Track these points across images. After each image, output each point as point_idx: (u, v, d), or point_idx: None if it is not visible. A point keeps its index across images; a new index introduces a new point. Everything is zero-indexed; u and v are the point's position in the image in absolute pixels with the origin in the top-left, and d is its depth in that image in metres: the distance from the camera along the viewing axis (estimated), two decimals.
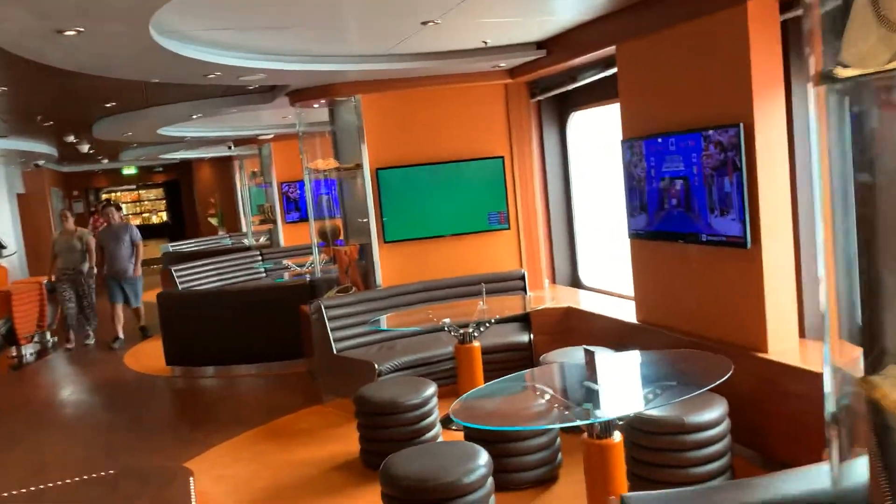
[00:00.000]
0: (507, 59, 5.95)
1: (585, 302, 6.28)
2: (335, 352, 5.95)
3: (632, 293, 5.61)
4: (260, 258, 11.21)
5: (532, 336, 6.00)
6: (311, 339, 6.64)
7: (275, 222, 12.02)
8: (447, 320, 5.24)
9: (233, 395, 6.91)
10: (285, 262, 10.81)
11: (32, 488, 4.78)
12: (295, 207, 12.21)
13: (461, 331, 5.24)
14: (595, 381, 3.27)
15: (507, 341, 5.94)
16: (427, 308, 5.98)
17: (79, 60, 4.14)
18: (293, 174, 11.89)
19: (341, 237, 7.25)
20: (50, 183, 15.59)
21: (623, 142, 5.05)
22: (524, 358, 5.97)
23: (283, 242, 11.98)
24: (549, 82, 6.54)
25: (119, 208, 26.85)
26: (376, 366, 5.50)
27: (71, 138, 9.55)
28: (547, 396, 3.48)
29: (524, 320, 6.15)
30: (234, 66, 4.87)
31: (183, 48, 4.27)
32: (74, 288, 9.43)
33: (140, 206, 30.60)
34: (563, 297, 6.45)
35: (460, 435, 4.73)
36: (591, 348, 3.39)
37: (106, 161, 16.14)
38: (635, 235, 5.06)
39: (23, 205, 14.37)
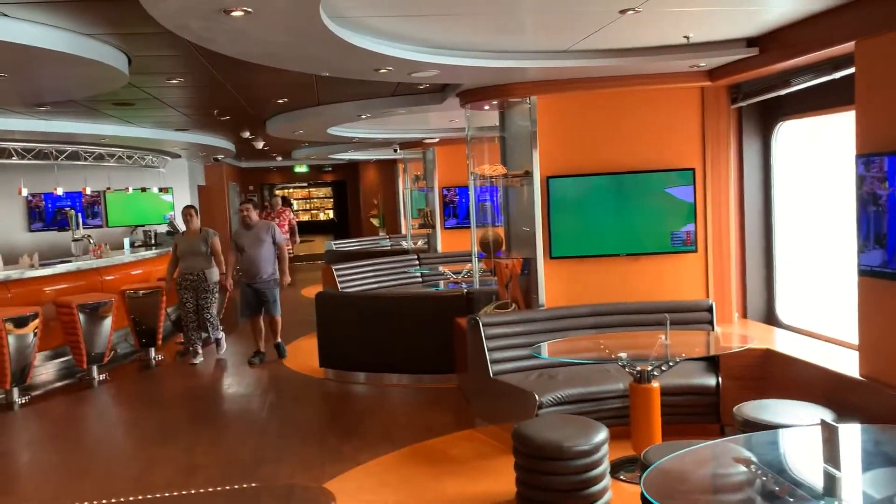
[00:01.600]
0: (709, 58, 5.17)
1: (785, 344, 5.34)
2: (491, 375, 5.45)
3: (851, 340, 4.67)
4: (417, 262, 11.02)
5: (720, 380, 5.17)
6: (464, 354, 6.19)
7: (433, 227, 11.78)
8: (623, 355, 4.57)
9: (383, 406, 6.60)
10: (441, 268, 10.54)
11: (176, 493, 4.65)
12: (453, 213, 11.93)
13: (638, 368, 4.54)
14: (836, 466, 2.50)
15: (689, 383, 5.16)
16: (597, 337, 5.33)
17: (245, 47, 3.92)
18: (455, 179, 11.63)
19: (503, 248, 6.75)
20: (228, 177, 16.41)
21: (858, 157, 4.14)
22: (709, 404, 5.16)
23: (440, 248, 11.71)
24: (754, 86, 5.66)
25: (290, 204, 28.01)
26: (537, 397, 4.93)
27: (247, 134, 9.78)
28: (762, 475, 2.74)
29: (711, 360, 5.33)
30: (406, 59, 4.49)
31: (353, 37, 3.93)
32: (195, 296, 8.40)
33: (310, 203, 32.13)
34: (756, 336, 5.54)
35: (633, 490, 4.07)
36: (830, 420, 2.62)
37: (280, 158, 16.76)
38: (868, 272, 4.12)
39: (203, 196, 15.20)
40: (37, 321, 7.11)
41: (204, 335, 8.65)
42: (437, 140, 11.22)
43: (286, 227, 14.64)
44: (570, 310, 5.80)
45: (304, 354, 8.38)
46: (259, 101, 7.15)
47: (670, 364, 4.58)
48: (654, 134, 5.98)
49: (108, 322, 8.10)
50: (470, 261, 8.90)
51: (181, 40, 4.03)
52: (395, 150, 12.49)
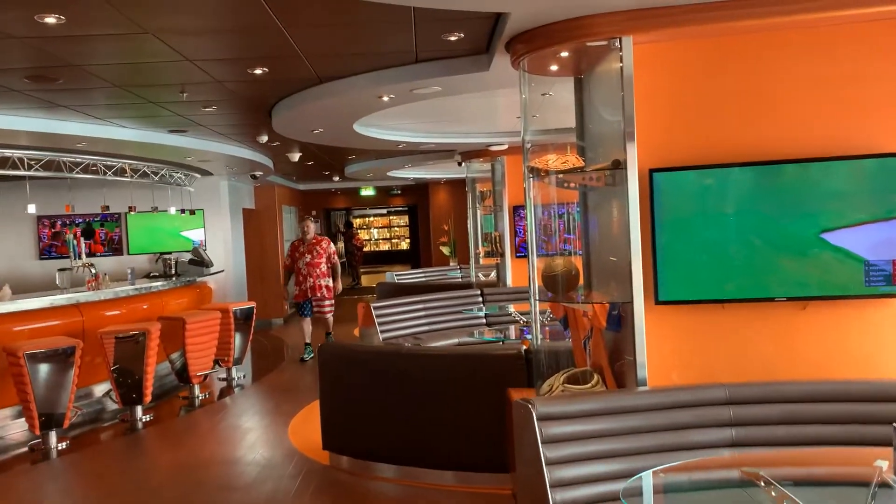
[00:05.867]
0: None
1: None
2: None
3: None
4: (480, 299, 8.83)
5: None
6: (514, 447, 3.90)
7: (503, 255, 9.54)
8: None
9: None
10: (511, 307, 8.31)
11: None
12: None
13: None
14: None
15: None
16: (746, 458, 2.94)
17: None
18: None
19: (580, 286, 4.41)
20: (282, 200, 14.72)
21: None
22: None
23: (510, 281, 9.46)
24: None
25: (350, 227, 23.68)
26: None
27: (264, 139, 7.87)
28: None
29: None
30: None
31: None
32: None
33: (390, 232, 30.48)
34: None
35: None
36: None
37: (337, 178, 14.94)
38: None
39: (250, 222, 13.54)
40: None
41: None
42: (506, 147, 9.05)
43: (323, 265, 9.36)
44: (693, 392, 3.43)
45: (316, 426, 6.25)
46: (228, 68, 5.03)
47: None
48: (835, 98, 3.57)
49: (70, 375, 6.30)
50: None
51: None
52: (459, 163, 10.37)
